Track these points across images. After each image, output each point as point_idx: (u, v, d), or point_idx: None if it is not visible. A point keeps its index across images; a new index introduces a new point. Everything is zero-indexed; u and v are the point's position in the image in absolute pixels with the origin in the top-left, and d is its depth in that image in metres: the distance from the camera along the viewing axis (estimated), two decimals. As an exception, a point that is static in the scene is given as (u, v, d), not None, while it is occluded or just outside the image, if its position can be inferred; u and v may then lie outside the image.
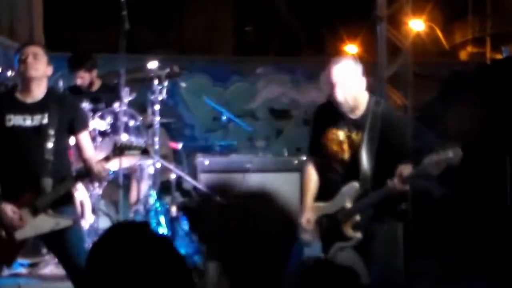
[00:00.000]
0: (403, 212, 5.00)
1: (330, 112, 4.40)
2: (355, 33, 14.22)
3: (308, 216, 4.39)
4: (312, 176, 4.50)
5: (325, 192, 4.44)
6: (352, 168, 4.30)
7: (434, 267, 5.98)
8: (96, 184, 6.02)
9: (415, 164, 4.04)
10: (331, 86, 4.24)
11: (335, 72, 4.24)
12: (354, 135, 4.31)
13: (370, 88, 4.43)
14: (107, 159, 4.36)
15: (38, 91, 4.37)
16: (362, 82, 4.31)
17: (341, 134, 4.35)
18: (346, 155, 4.35)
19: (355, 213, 4.25)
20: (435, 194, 7.21)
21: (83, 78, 6.60)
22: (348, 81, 4.24)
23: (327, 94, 4.32)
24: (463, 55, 16.50)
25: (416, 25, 10.64)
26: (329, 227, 4.33)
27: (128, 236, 1.99)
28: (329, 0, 16.19)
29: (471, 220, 6.63)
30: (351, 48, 14.58)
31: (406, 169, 4.04)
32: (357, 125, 4.32)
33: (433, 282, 5.67)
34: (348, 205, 4.27)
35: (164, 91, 6.32)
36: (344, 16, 14.93)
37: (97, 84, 6.67)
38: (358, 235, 4.23)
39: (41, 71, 4.34)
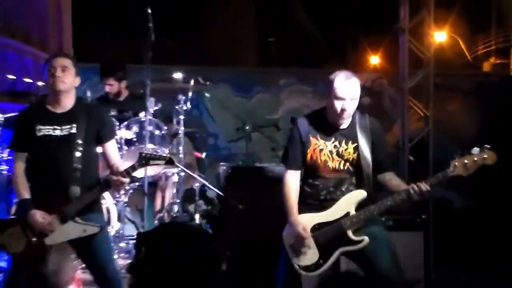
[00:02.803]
0: (423, 221, 5.05)
1: (314, 123, 4.46)
2: (377, 45, 14.23)
3: (303, 225, 4.36)
4: (296, 187, 4.47)
5: (312, 199, 4.45)
6: (345, 175, 4.40)
7: (454, 275, 5.97)
8: (122, 192, 6.09)
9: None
10: (338, 99, 4.30)
11: (346, 87, 4.32)
12: (343, 145, 4.40)
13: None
14: (132, 168, 4.41)
15: (67, 102, 4.46)
16: (358, 100, 4.40)
17: (328, 144, 4.41)
18: (336, 164, 4.41)
19: (363, 220, 4.31)
20: (456, 204, 7.20)
21: (111, 86, 6.68)
22: (355, 97, 4.34)
23: (329, 105, 4.36)
24: (486, 66, 16.42)
25: (439, 36, 10.64)
26: (331, 233, 4.35)
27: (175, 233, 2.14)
28: (351, 13, 16.19)
29: (491, 230, 6.62)
30: (374, 59, 14.58)
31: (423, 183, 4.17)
32: (344, 135, 4.41)
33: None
34: (353, 211, 4.33)
35: (189, 101, 6.39)
36: (366, 28, 14.93)
37: (124, 95, 6.75)
38: (366, 239, 4.28)
39: (69, 84, 4.42)
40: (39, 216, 4.27)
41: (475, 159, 4.11)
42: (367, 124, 4.42)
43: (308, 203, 4.45)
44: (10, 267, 4.54)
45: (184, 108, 6.33)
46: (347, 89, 4.30)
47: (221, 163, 6.30)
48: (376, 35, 13.60)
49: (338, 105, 4.30)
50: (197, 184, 6.56)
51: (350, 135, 4.40)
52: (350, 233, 4.30)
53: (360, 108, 4.46)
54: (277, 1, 18.71)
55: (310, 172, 4.48)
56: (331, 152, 4.40)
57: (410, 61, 7.75)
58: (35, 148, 4.41)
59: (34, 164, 4.45)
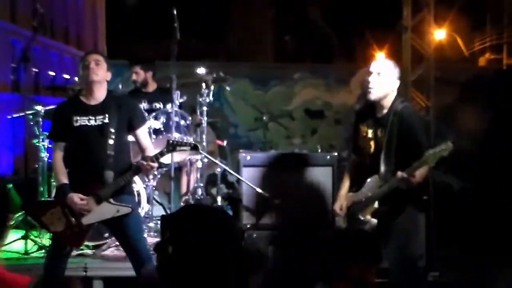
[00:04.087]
0: (425, 203, 4.99)
1: (364, 112, 4.46)
2: (382, 41, 14.14)
3: (340, 203, 4.46)
4: (350, 170, 4.58)
5: (357, 184, 4.48)
6: (375, 162, 4.32)
7: (456, 253, 5.91)
8: (151, 177, 6.10)
9: None
10: (366, 84, 4.25)
11: (375, 62, 4.32)
12: (379, 132, 4.32)
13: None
14: (161, 154, 4.42)
15: (99, 94, 4.46)
16: (394, 83, 4.29)
17: (369, 131, 4.37)
18: (372, 150, 4.36)
19: (372, 201, 4.29)
20: (454, 187, 7.13)
21: (137, 74, 6.62)
22: (382, 73, 4.25)
23: (362, 92, 4.34)
24: (481, 61, 16.27)
25: (439, 34, 10.52)
26: (353, 213, 4.38)
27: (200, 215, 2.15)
28: (360, 12, 16.09)
29: (489, 211, 6.54)
30: (380, 55, 14.49)
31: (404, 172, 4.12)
32: (381, 123, 4.32)
33: (455, 267, 5.60)
34: (370, 194, 4.33)
35: (211, 94, 6.37)
36: (373, 26, 14.83)
37: (152, 87, 6.73)
38: (373, 221, 4.26)
39: (101, 76, 4.42)
40: (76, 198, 4.28)
41: (437, 150, 4.02)
42: (399, 113, 4.27)
43: (358, 184, 4.47)
44: (52, 244, 4.57)
45: (207, 100, 6.31)
46: (375, 63, 4.32)
47: (241, 150, 6.26)
48: (381, 32, 13.50)
49: (367, 79, 4.28)
50: (219, 170, 6.55)
51: (384, 123, 4.30)
52: (364, 214, 4.30)
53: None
54: (293, 2, 18.63)
55: (360, 157, 4.50)
56: (370, 138, 4.37)
57: (413, 56, 7.68)
58: (72, 137, 4.42)
59: (71, 152, 4.46)
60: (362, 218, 4.30)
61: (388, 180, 4.23)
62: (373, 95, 4.26)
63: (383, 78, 4.25)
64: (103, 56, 4.52)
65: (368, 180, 4.35)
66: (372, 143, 4.36)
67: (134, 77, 6.63)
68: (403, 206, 4.27)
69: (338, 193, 4.58)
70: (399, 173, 4.09)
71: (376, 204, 4.31)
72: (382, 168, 4.26)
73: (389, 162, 4.24)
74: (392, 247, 4.21)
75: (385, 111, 4.31)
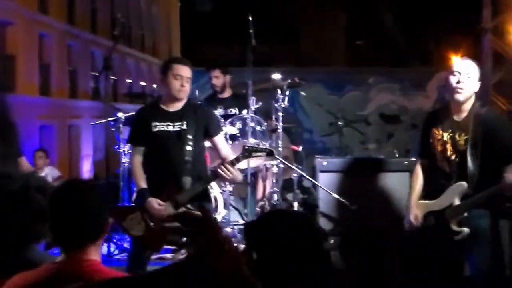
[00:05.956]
0: (509, 210, 4.77)
1: (437, 114, 4.29)
2: (459, 44, 13.79)
3: (415, 213, 4.25)
4: (419, 175, 4.36)
5: (431, 190, 4.28)
6: (456, 167, 4.13)
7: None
8: (227, 182, 6.11)
9: None
10: (453, 74, 4.08)
11: (462, 63, 4.13)
12: (457, 136, 4.14)
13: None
14: (237, 159, 4.40)
15: (179, 102, 4.50)
16: (477, 86, 4.14)
17: (445, 135, 4.18)
18: (450, 155, 4.18)
19: (464, 210, 4.08)
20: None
21: (217, 78, 6.65)
22: (471, 74, 4.09)
23: (438, 95, 4.19)
24: None
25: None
26: (436, 223, 4.16)
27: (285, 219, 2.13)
28: (434, 15, 15.77)
29: None
30: (456, 59, 14.13)
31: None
32: (459, 127, 4.14)
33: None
34: (456, 202, 4.09)
35: (286, 99, 6.34)
36: (448, 28, 14.49)
37: (228, 93, 6.76)
38: (466, 230, 4.05)
39: (188, 92, 4.50)
40: (155, 203, 4.32)
41: None
42: (482, 117, 4.09)
43: (428, 190, 4.31)
44: (132, 248, 4.63)
45: (282, 105, 6.27)
46: (462, 64, 4.11)
47: (317, 156, 6.19)
48: (457, 35, 13.16)
49: (453, 79, 4.06)
50: (295, 175, 6.50)
51: (464, 127, 4.12)
52: (452, 224, 4.09)
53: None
54: (364, 6, 18.44)
55: (432, 162, 4.30)
56: (446, 142, 4.18)
57: (493, 59, 7.46)
58: (151, 142, 4.46)
59: (150, 157, 4.51)
60: (456, 228, 4.10)
61: (474, 185, 4.05)
62: (463, 96, 4.07)
63: (472, 80, 4.09)
64: (192, 69, 4.54)
65: (452, 187, 4.14)
66: (449, 147, 4.18)
67: (214, 81, 6.66)
68: (493, 213, 4.08)
69: (409, 201, 4.33)
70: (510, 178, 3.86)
71: (465, 213, 4.11)
72: (470, 173, 4.06)
73: (476, 167, 4.05)
74: (479, 255, 4.04)
75: (464, 114, 4.13)
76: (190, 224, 1.70)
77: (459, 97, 4.07)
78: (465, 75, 4.05)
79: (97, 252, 2.34)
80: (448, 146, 4.16)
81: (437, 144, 4.21)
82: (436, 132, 4.22)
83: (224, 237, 1.69)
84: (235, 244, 1.70)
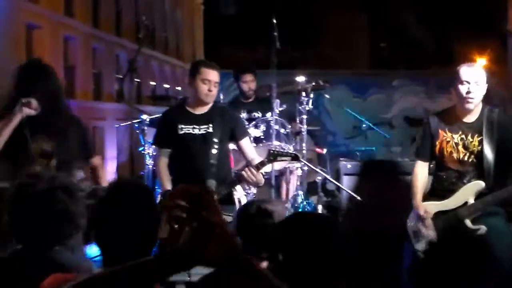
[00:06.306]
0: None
1: (444, 118, 4.29)
2: (484, 46, 13.67)
3: (425, 208, 4.23)
4: (423, 176, 4.35)
5: (439, 190, 4.29)
6: (471, 167, 4.18)
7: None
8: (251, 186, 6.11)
9: None
10: (463, 83, 4.09)
11: (470, 71, 4.12)
12: (469, 137, 4.18)
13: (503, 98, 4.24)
14: (262, 164, 4.40)
15: (206, 106, 4.51)
16: (485, 89, 4.16)
17: (455, 137, 4.21)
18: (463, 156, 4.20)
19: (481, 209, 4.10)
20: None
21: (248, 83, 6.58)
22: (480, 82, 4.11)
23: (456, 94, 4.15)
24: None
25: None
26: (449, 222, 4.16)
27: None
28: (459, 16, 15.66)
29: None
30: (480, 61, 14.02)
31: None
32: (471, 128, 4.18)
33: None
34: (471, 200, 4.12)
35: (310, 102, 6.33)
36: (473, 30, 14.38)
37: (252, 96, 6.75)
38: (483, 227, 4.05)
39: (215, 96, 4.51)
40: (180, 205, 4.32)
41: None
42: (495, 118, 4.14)
43: (435, 194, 4.30)
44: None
45: (306, 108, 6.27)
46: (471, 72, 4.10)
47: (341, 158, 6.17)
48: (482, 37, 13.04)
49: (463, 89, 4.07)
50: (319, 178, 6.49)
51: (476, 128, 4.16)
52: (467, 222, 4.10)
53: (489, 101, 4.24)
54: (387, 8, 18.37)
55: (438, 164, 4.33)
56: (456, 144, 4.20)
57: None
58: (176, 145, 4.48)
59: (175, 159, 4.52)
60: (472, 226, 4.10)
61: (491, 184, 4.08)
62: (473, 105, 4.14)
63: (481, 86, 4.13)
64: (219, 72, 4.53)
65: (467, 186, 4.17)
66: (461, 148, 4.20)
67: (245, 86, 6.55)
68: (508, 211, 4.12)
69: (415, 200, 4.28)
70: None
71: (480, 212, 4.12)
72: (486, 173, 4.10)
73: (492, 167, 4.10)
74: (500, 248, 4.01)
75: (474, 116, 4.18)
76: (189, 200, 1.68)
77: (470, 106, 4.12)
78: (474, 84, 4.09)
79: None
80: (460, 148, 4.20)
81: (446, 145, 4.24)
82: (444, 134, 4.25)
83: (218, 221, 1.66)
84: (230, 230, 1.68)
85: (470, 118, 4.19)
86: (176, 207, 1.68)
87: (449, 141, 4.23)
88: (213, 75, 4.45)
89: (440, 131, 4.27)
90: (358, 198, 5.64)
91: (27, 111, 3.70)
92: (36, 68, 3.92)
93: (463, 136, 4.19)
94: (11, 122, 3.71)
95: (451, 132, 4.23)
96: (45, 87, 3.79)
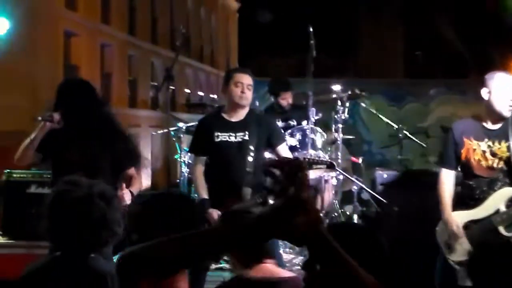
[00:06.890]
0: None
1: (468, 126, 4.26)
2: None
3: (456, 222, 4.17)
4: (450, 185, 4.28)
5: (466, 199, 4.24)
6: (501, 174, 4.16)
7: None
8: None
9: None
10: (505, 102, 4.07)
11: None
12: (496, 144, 4.15)
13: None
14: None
15: (242, 113, 4.50)
16: None
17: (482, 144, 4.18)
18: (490, 163, 4.17)
19: None
20: None
21: (286, 99, 6.64)
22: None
23: (493, 102, 4.10)
24: None
25: None
26: (482, 231, 4.11)
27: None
28: (495, 23, 15.45)
29: None
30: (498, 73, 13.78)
31: None
32: (497, 135, 4.16)
33: None
34: (503, 208, 4.08)
35: (346, 111, 6.29)
36: (510, 38, 14.16)
37: (288, 104, 6.75)
38: None
39: (250, 100, 4.50)
40: (215, 214, 4.31)
41: None
42: None
43: (464, 203, 4.24)
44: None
45: (342, 117, 6.23)
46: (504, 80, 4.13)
47: (377, 168, 6.12)
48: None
49: (504, 103, 4.08)
50: (355, 187, 6.44)
51: (502, 135, 4.15)
52: (501, 229, 4.06)
53: None
54: (422, 17, 18.22)
55: (465, 172, 4.29)
56: (484, 151, 4.17)
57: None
58: (213, 152, 4.47)
59: (211, 167, 4.51)
60: (506, 234, 4.04)
61: None
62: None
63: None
64: (253, 78, 4.56)
65: (497, 193, 4.13)
66: (488, 155, 4.17)
67: (283, 103, 6.61)
68: None
69: (445, 212, 4.22)
70: None
71: None
72: None
73: None
74: None
75: (500, 123, 4.17)
76: (286, 170, 1.66)
77: (508, 113, 4.12)
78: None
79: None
80: (488, 155, 4.17)
81: (473, 153, 4.20)
82: (469, 142, 4.21)
83: (309, 197, 1.64)
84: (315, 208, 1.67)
85: (495, 125, 4.19)
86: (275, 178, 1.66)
87: (475, 148, 4.20)
88: (245, 78, 4.46)
89: (464, 139, 4.24)
90: (395, 208, 5.58)
91: (49, 124, 3.93)
92: (66, 85, 4.20)
93: (490, 143, 4.18)
94: (36, 133, 3.95)
95: (476, 140, 4.21)
96: (72, 103, 3.98)
